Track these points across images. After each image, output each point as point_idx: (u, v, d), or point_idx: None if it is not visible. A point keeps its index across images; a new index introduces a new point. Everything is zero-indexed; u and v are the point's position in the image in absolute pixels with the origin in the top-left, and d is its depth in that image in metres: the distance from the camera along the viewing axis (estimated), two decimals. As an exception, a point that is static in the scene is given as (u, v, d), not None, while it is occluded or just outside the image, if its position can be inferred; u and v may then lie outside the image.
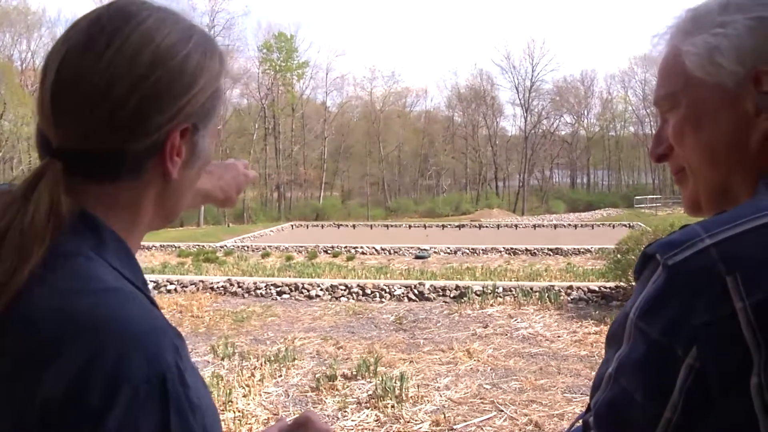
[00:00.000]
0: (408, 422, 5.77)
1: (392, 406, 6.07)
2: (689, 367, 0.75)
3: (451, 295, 11.49)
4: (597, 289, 11.27)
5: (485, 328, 9.31)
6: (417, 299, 11.54)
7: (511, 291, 11.31)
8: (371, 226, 37.69)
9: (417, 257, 19.44)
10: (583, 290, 11.25)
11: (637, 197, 57.41)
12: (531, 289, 11.31)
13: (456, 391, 6.56)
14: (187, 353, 0.79)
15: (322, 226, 37.80)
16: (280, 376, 7.10)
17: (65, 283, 0.77)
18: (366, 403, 6.23)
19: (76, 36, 0.84)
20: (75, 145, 0.83)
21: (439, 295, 11.58)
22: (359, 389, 6.60)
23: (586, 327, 9.17)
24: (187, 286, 12.63)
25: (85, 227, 0.82)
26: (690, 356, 0.75)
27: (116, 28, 0.83)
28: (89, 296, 0.76)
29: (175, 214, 0.96)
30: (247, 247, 22.32)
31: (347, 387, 6.67)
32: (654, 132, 1.05)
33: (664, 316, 0.78)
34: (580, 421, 0.94)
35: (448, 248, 20.73)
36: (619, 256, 11.43)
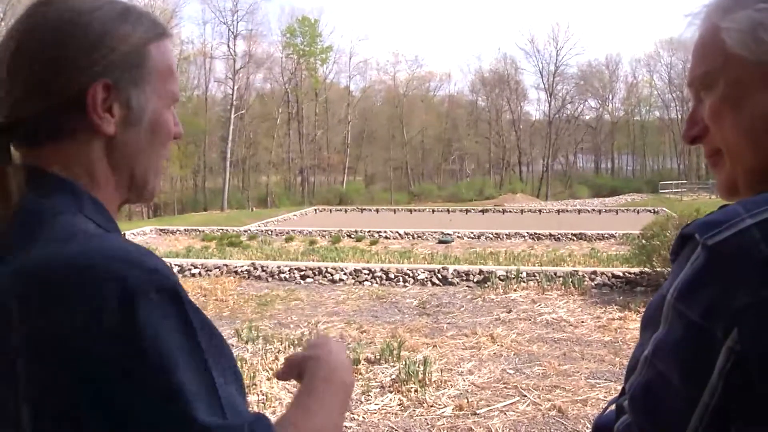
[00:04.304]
0: (431, 406, 5.77)
1: (415, 391, 6.08)
2: (729, 350, 0.73)
3: (475, 280, 11.46)
4: (621, 274, 11.19)
5: (509, 313, 9.29)
6: (440, 284, 11.53)
7: (534, 276, 11.26)
8: (394, 211, 37.67)
9: (440, 242, 19.40)
10: (607, 276, 11.18)
11: (662, 182, 56.83)
12: (555, 274, 11.26)
13: (479, 376, 6.55)
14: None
15: (346, 211, 37.86)
16: (304, 359, 7.11)
17: (57, 236, 0.84)
18: (389, 387, 6.24)
19: (12, 25, 0.97)
20: (5, 116, 0.93)
21: (462, 280, 11.56)
22: (382, 373, 6.61)
23: (610, 313, 9.12)
24: (211, 270, 12.70)
25: (58, 188, 0.91)
26: (730, 339, 0.73)
27: (30, 12, 0.96)
28: (84, 242, 0.84)
29: (139, 181, 1.02)
30: (271, 232, 22.38)
31: (371, 371, 6.68)
32: (681, 117, 1.01)
33: (703, 297, 0.76)
34: (613, 405, 0.92)
35: (472, 233, 20.66)
36: (643, 241, 11.32)
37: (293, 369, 1.09)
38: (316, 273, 12.23)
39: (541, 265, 12.74)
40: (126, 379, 0.76)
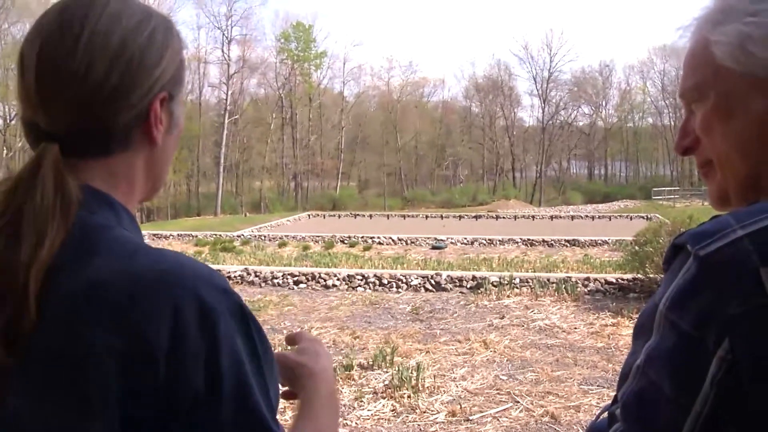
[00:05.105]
0: (424, 412, 5.77)
1: (408, 396, 6.08)
2: (721, 359, 0.74)
3: (468, 286, 11.47)
4: (614, 280, 11.22)
5: (502, 319, 9.29)
6: (434, 289, 11.53)
7: (527, 282, 11.27)
8: (388, 216, 37.63)
9: (434, 247, 19.41)
10: (600, 282, 11.20)
11: (655, 189, 56.98)
12: (548, 280, 11.27)
13: (472, 382, 6.56)
14: None
15: (339, 216, 37.80)
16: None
17: (116, 250, 0.84)
18: (382, 392, 6.23)
19: (48, 26, 0.91)
20: (67, 126, 0.89)
21: (455, 286, 11.57)
22: (375, 379, 6.61)
23: (603, 319, 9.13)
24: (204, 275, 12.63)
25: (102, 203, 0.90)
26: (722, 348, 0.74)
27: (84, 15, 0.90)
28: (140, 256, 0.84)
29: (160, 182, 1.04)
30: (264, 237, 22.36)
31: (363, 377, 6.68)
32: (674, 124, 1.03)
33: (695, 307, 0.77)
34: (605, 413, 0.92)
35: (465, 239, 20.68)
36: (636, 248, 11.35)
37: (284, 371, 1.09)
38: (310, 278, 12.22)
39: (534, 271, 12.74)
40: (210, 398, 0.79)
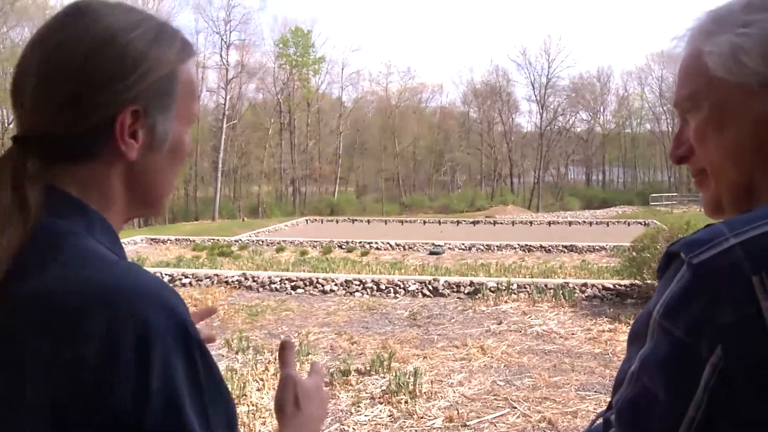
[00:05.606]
0: (421, 418, 5.77)
1: (406, 402, 6.08)
2: (713, 365, 0.75)
3: (466, 292, 11.47)
4: (612, 286, 11.22)
5: (499, 324, 9.30)
6: (431, 295, 11.53)
7: (525, 288, 11.27)
8: (386, 222, 37.63)
9: (431, 253, 19.41)
10: (597, 288, 11.20)
11: (652, 195, 57.02)
12: (545, 286, 11.28)
13: (469, 388, 6.56)
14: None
15: (337, 221, 37.83)
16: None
17: (73, 259, 0.85)
18: (380, 398, 6.23)
19: (36, 34, 0.94)
20: (31, 131, 0.92)
21: (453, 291, 11.56)
22: (373, 384, 6.61)
23: (601, 325, 9.13)
24: (201, 280, 12.67)
25: (73, 209, 0.91)
26: (714, 355, 0.75)
27: (63, 24, 0.93)
28: (100, 269, 0.84)
29: (153, 200, 1.03)
30: (262, 242, 22.35)
31: (361, 382, 6.68)
32: (671, 130, 1.04)
33: (688, 315, 0.78)
34: (600, 419, 0.93)
35: (463, 244, 20.67)
36: (634, 253, 11.35)
37: (284, 390, 1.16)
38: (307, 284, 12.21)
39: (532, 277, 12.75)
40: (136, 415, 0.78)
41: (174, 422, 0.79)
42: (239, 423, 4.60)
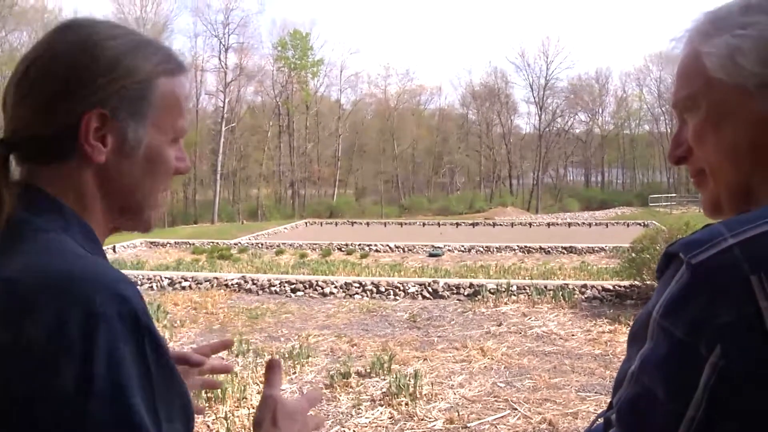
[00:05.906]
0: (422, 420, 5.77)
1: (406, 404, 6.08)
2: (713, 365, 0.75)
3: (465, 293, 11.47)
4: (611, 287, 11.23)
5: (499, 326, 9.30)
6: (431, 297, 11.54)
7: (525, 289, 11.28)
8: (385, 224, 37.61)
9: (431, 255, 19.43)
10: (597, 289, 11.21)
11: (651, 196, 57.02)
12: (545, 287, 11.29)
13: (470, 389, 6.56)
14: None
15: (336, 224, 37.79)
16: (294, 373, 7.12)
17: (38, 250, 0.88)
18: (380, 400, 6.23)
19: (30, 48, 1.01)
20: (10, 133, 0.98)
21: (453, 293, 11.57)
22: (373, 387, 6.61)
23: (600, 326, 9.14)
24: (201, 283, 12.67)
25: (49, 206, 0.95)
26: (714, 355, 0.75)
27: (49, 36, 1.00)
28: (61, 260, 0.87)
29: (131, 208, 1.05)
30: (261, 245, 22.35)
31: (361, 384, 6.68)
32: (670, 131, 1.05)
33: (687, 315, 0.78)
34: (601, 419, 0.94)
35: (462, 246, 20.69)
36: (633, 254, 11.38)
37: (264, 408, 1.16)
38: (307, 286, 12.22)
39: (532, 279, 12.76)
40: (79, 397, 0.78)
41: (119, 406, 0.80)
42: (240, 426, 4.61)
